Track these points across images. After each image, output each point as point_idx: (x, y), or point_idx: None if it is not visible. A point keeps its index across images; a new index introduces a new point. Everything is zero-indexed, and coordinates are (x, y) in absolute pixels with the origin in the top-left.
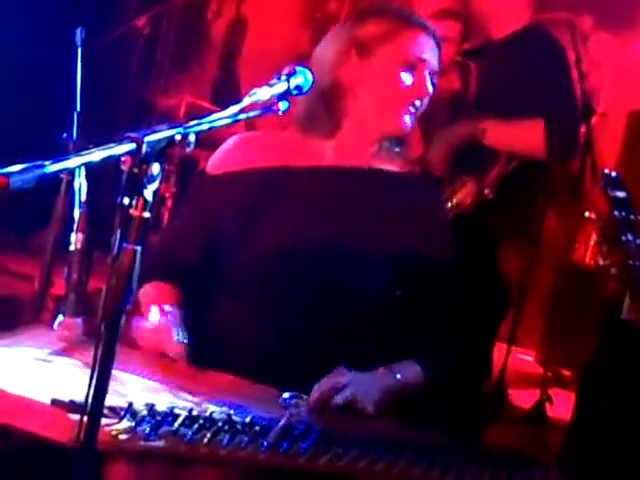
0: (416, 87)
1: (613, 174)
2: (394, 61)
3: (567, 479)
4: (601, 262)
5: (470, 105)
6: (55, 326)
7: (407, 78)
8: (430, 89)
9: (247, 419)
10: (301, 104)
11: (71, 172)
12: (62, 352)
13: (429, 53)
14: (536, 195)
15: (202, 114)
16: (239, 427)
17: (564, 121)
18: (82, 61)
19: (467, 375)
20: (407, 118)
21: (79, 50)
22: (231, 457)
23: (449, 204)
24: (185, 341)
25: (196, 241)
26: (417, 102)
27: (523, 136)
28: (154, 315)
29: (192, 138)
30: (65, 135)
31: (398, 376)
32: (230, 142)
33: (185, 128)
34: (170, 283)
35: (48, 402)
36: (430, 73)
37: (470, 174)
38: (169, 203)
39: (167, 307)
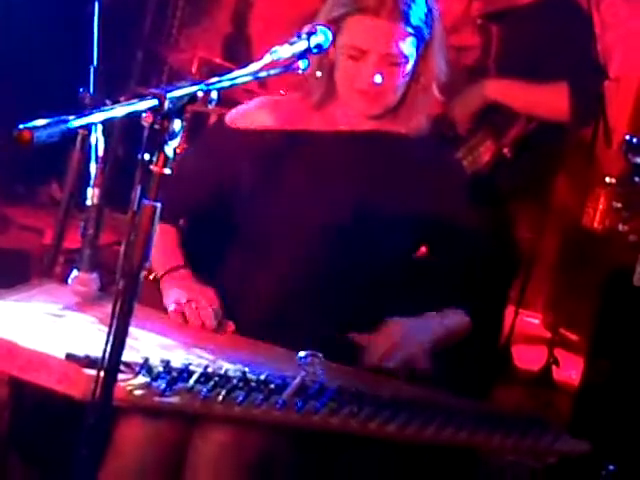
0: (361, 75)
1: (635, 140)
2: (341, 49)
3: (576, 441)
4: (620, 228)
5: (491, 67)
6: (70, 281)
7: (352, 66)
8: (376, 79)
9: (262, 377)
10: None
11: (87, 127)
12: (76, 307)
13: (378, 39)
14: (551, 158)
15: (214, 70)
16: (254, 385)
17: (589, 86)
18: (99, 15)
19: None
20: (364, 103)
21: (96, 4)
22: (245, 414)
23: (466, 161)
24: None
25: (207, 187)
26: (364, 87)
27: (547, 100)
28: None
29: (214, 95)
30: (82, 89)
31: (446, 321)
32: (255, 102)
33: (207, 85)
34: (174, 226)
35: (62, 357)
36: (386, 56)
37: (490, 132)
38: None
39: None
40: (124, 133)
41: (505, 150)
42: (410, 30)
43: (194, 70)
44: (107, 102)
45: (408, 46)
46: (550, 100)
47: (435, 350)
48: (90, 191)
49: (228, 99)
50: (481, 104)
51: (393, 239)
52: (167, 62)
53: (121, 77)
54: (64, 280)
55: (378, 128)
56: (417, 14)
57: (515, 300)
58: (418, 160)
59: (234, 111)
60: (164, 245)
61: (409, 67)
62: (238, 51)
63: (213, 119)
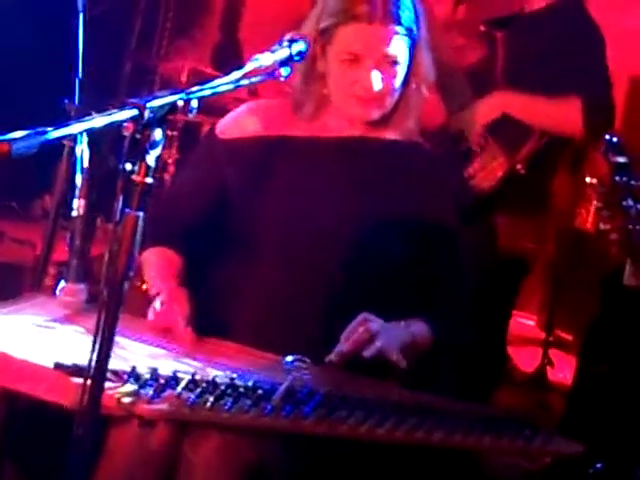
0: (359, 82)
1: (614, 139)
2: (335, 58)
3: (568, 443)
4: (602, 227)
5: (497, 75)
6: (57, 292)
7: (349, 73)
8: (375, 84)
9: (250, 383)
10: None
11: (73, 138)
12: (65, 318)
13: (374, 45)
14: (554, 169)
15: (204, 80)
16: (242, 391)
17: (602, 98)
18: (84, 26)
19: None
20: (362, 108)
21: (81, 15)
22: (234, 421)
23: (479, 177)
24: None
25: (201, 203)
26: (362, 92)
27: (560, 114)
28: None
29: (194, 104)
30: (67, 101)
31: (412, 328)
32: (243, 108)
33: (187, 94)
34: (172, 247)
35: (51, 366)
36: (382, 59)
37: (502, 147)
38: (172, 169)
39: (175, 288)
40: (115, 144)
41: (519, 166)
42: (403, 31)
43: (184, 80)
44: (92, 114)
45: (403, 47)
46: (564, 114)
47: (407, 356)
48: (76, 202)
49: (219, 108)
50: (493, 116)
51: (381, 244)
52: (157, 73)
53: (111, 88)
54: (54, 292)
55: (367, 134)
56: (407, 15)
57: None
58: (407, 166)
59: (223, 121)
60: (161, 266)
61: (404, 69)
62: (229, 60)
63: (206, 128)
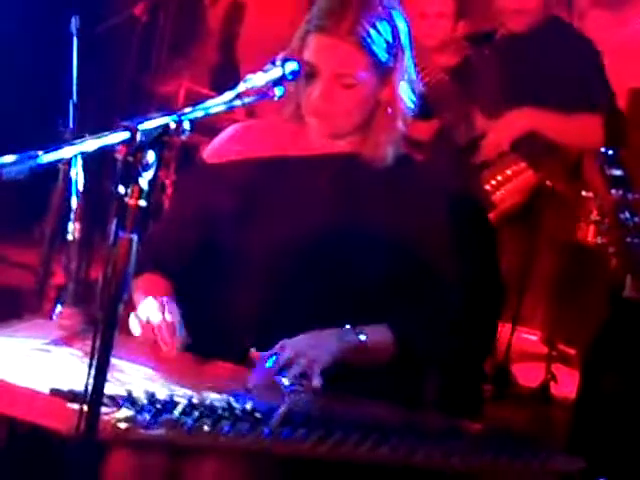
0: (312, 94)
1: (610, 152)
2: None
3: (569, 459)
4: (599, 240)
5: (492, 90)
6: (55, 316)
7: (308, 85)
8: (320, 99)
9: (247, 406)
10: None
11: (68, 162)
12: (61, 342)
13: (329, 58)
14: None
15: (200, 100)
16: (239, 414)
17: (612, 112)
18: (77, 50)
19: (464, 357)
20: (316, 124)
21: (74, 39)
22: (232, 445)
23: (502, 190)
24: (183, 337)
25: (190, 230)
26: (313, 105)
27: (583, 130)
28: (151, 309)
29: (186, 125)
30: (62, 124)
31: (362, 337)
32: (228, 131)
33: (179, 115)
34: (162, 275)
35: (47, 392)
36: (338, 77)
37: (526, 163)
38: (169, 190)
39: (165, 300)
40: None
41: (548, 182)
42: (365, 53)
43: (181, 101)
44: (87, 137)
45: (362, 70)
46: (586, 130)
47: (347, 358)
48: (71, 226)
49: (217, 129)
50: (519, 133)
51: (370, 261)
52: (155, 94)
53: (109, 111)
54: (52, 315)
55: (352, 150)
56: (376, 39)
57: (511, 317)
58: (395, 180)
59: (209, 146)
60: (149, 291)
61: (364, 92)
62: (226, 80)
63: (204, 149)
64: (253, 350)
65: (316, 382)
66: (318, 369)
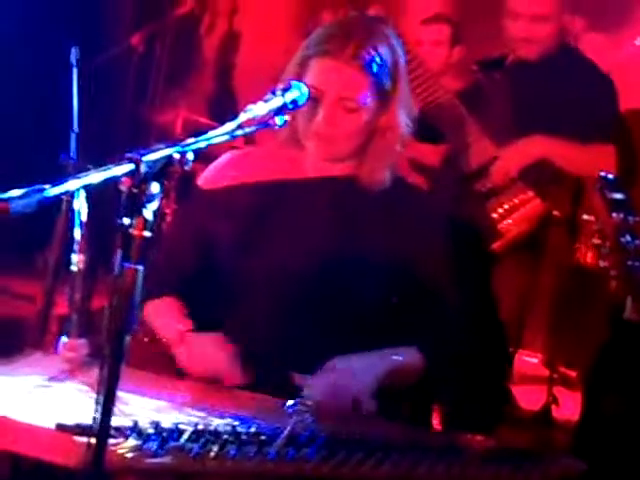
0: (316, 117)
1: (610, 176)
2: None
3: (577, 463)
4: (601, 264)
5: (502, 116)
6: (59, 347)
7: (310, 108)
8: (324, 123)
9: (252, 429)
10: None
11: (71, 193)
12: (65, 374)
13: (334, 81)
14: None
15: (199, 129)
16: (245, 438)
17: (625, 142)
18: (78, 80)
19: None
20: (316, 147)
21: (74, 70)
22: (239, 468)
23: (509, 219)
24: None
25: (189, 256)
26: (316, 129)
27: (595, 160)
28: (205, 344)
29: (190, 156)
30: (64, 156)
31: (394, 357)
32: (223, 158)
33: (183, 146)
34: (175, 296)
35: (53, 427)
36: (341, 100)
37: (534, 192)
38: (169, 219)
39: (216, 335)
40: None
41: (556, 212)
42: (369, 78)
43: (178, 130)
44: (90, 168)
45: (365, 94)
46: (599, 160)
47: (385, 387)
48: (74, 257)
49: (210, 156)
50: (530, 160)
51: (368, 285)
52: (152, 124)
53: (106, 142)
54: (54, 347)
55: (349, 173)
56: (378, 64)
57: (513, 340)
58: (392, 205)
59: (205, 173)
60: (171, 313)
61: (366, 117)
62: (223, 109)
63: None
64: (296, 375)
65: (370, 406)
66: (369, 393)
